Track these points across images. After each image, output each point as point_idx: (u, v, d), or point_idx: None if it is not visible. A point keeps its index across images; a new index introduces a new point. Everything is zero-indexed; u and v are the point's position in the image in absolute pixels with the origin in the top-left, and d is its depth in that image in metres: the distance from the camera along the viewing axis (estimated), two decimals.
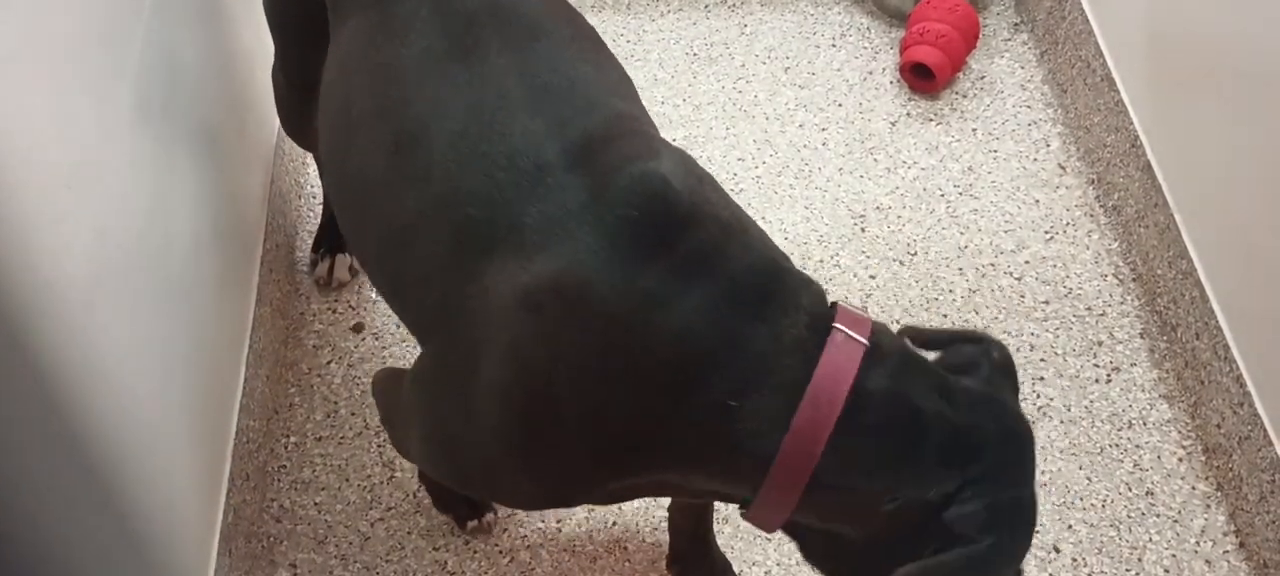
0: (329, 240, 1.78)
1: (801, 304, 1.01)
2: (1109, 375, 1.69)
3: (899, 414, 0.96)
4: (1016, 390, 1.06)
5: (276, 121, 1.79)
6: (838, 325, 0.99)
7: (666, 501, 1.55)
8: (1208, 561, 1.51)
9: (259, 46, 1.73)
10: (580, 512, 1.54)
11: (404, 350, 1.70)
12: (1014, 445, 1.00)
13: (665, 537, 1.53)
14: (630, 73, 2.08)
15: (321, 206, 1.80)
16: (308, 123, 1.46)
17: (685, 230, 0.98)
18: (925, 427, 0.95)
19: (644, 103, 2.02)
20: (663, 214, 0.98)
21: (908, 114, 2.03)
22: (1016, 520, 0.99)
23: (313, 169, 1.93)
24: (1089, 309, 1.77)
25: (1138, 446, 1.62)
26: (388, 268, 1.13)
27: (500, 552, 1.52)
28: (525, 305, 0.97)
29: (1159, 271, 1.73)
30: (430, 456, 1.14)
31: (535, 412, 0.99)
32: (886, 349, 0.99)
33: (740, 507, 1.00)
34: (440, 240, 1.04)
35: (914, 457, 0.95)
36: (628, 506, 1.55)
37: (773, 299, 0.99)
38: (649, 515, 1.54)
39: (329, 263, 1.76)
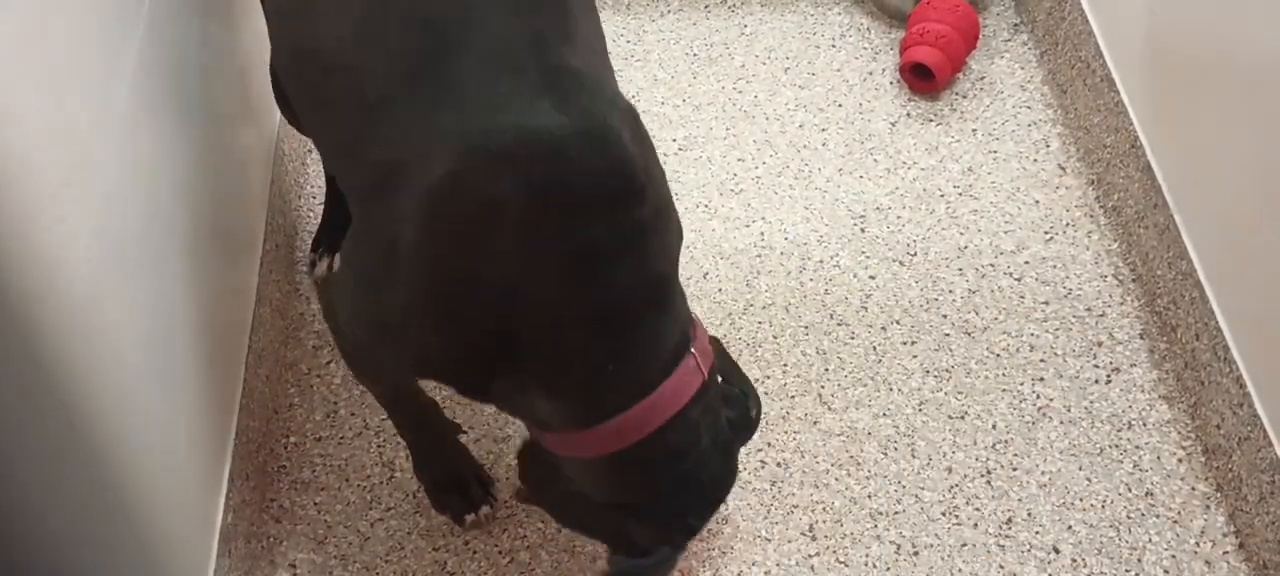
0: (328, 239, 1.78)
1: (681, 313, 1.16)
2: (1109, 376, 1.69)
3: (688, 445, 1.16)
4: (747, 439, 1.32)
5: (276, 122, 1.79)
6: (693, 350, 1.15)
7: None
8: (1207, 562, 1.51)
9: (259, 47, 1.73)
10: None
11: None
12: (708, 491, 1.24)
13: None
14: (630, 73, 2.10)
15: (323, 206, 1.80)
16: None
17: (627, 202, 1.07)
18: (690, 466, 1.17)
19: (644, 103, 2.03)
20: (614, 175, 1.06)
21: (908, 114, 2.03)
22: (678, 543, 1.23)
23: (313, 170, 1.93)
24: (1089, 309, 1.77)
25: (1137, 447, 1.62)
26: (337, 125, 1.19)
27: (500, 553, 1.52)
28: (454, 184, 1.04)
29: (1159, 272, 1.73)
30: (354, 310, 1.20)
31: (443, 274, 1.08)
32: (711, 387, 1.17)
33: (537, 426, 1.18)
34: (401, 105, 1.09)
35: (668, 479, 1.17)
36: None
37: (667, 300, 1.14)
38: None
39: (329, 261, 1.76)
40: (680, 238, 1.20)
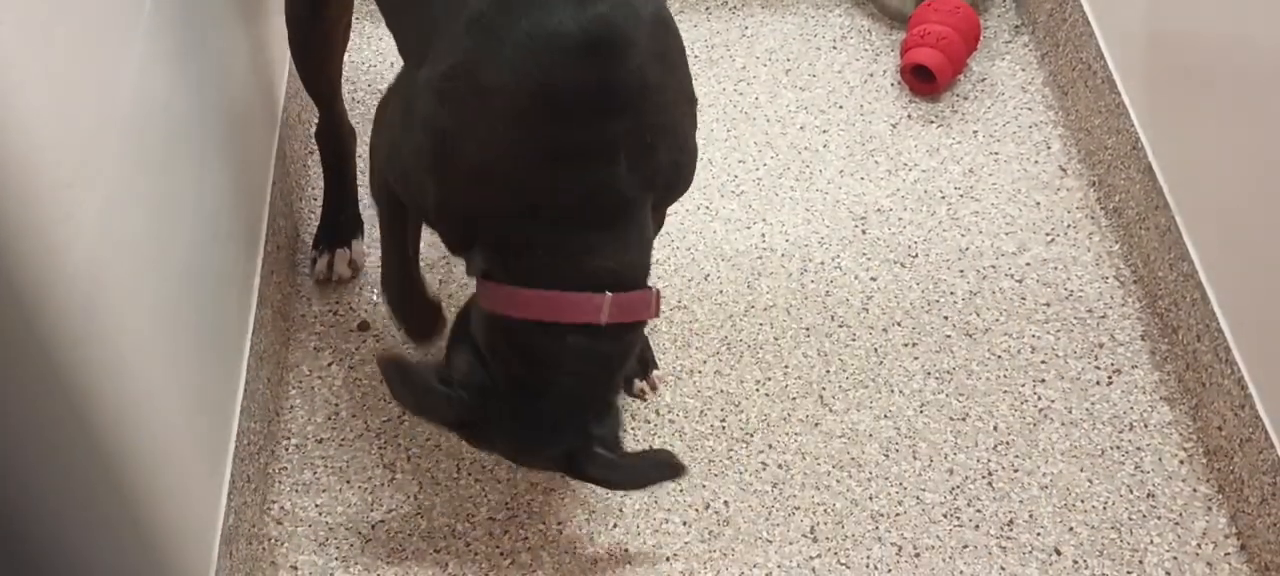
0: (328, 237, 1.78)
1: (633, 258, 1.27)
2: (1110, 377, 1.69)
3: (545, 358, 1.27)
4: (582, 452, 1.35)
5: (278, 122, 1.79)
6: (613, 295, 1.25)
7: (668, 502, 1.56)
8: (1209, 564, 1.51)
9: (260, 47, 1.73)
10: (580, 515, 1.55)
11: (407, 353, 1.70)
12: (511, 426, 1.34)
13: (665, 539, 1.53)
14: None
15: (322, 206, 1.80)
16: (319, 55, 1.64)
17: (606, 114, 1.17)
18: (530, 378, 1.28)
19: None
20: (600, 87, 1.16)
21: (909, 116, 2.03)
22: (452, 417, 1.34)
23: (314, 172, 1.93)
24: (1090, 311, 1.77)
25: (1139, 448, 1.62)
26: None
27: (501, 554, 1.52)
28: (462, 70, 1.19)
29: (1160, 273, 1.73)
30: (383, 147, 1.39)
31: (443, 146, 1.22)
32: (607, 334, 1.26)
33: (478, 275, 1.30)
34: None
35: (510, 364, 1.28)
36: (629, 509, 1.55)
37: (620, 226, 1.24)
38: (650, 517, 1.54)
39: (328, 258, 1.77)
40: (679, 176, 1.29)
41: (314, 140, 1.80)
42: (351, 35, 1.69)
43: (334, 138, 1.75)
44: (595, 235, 1.23)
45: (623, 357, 1.31)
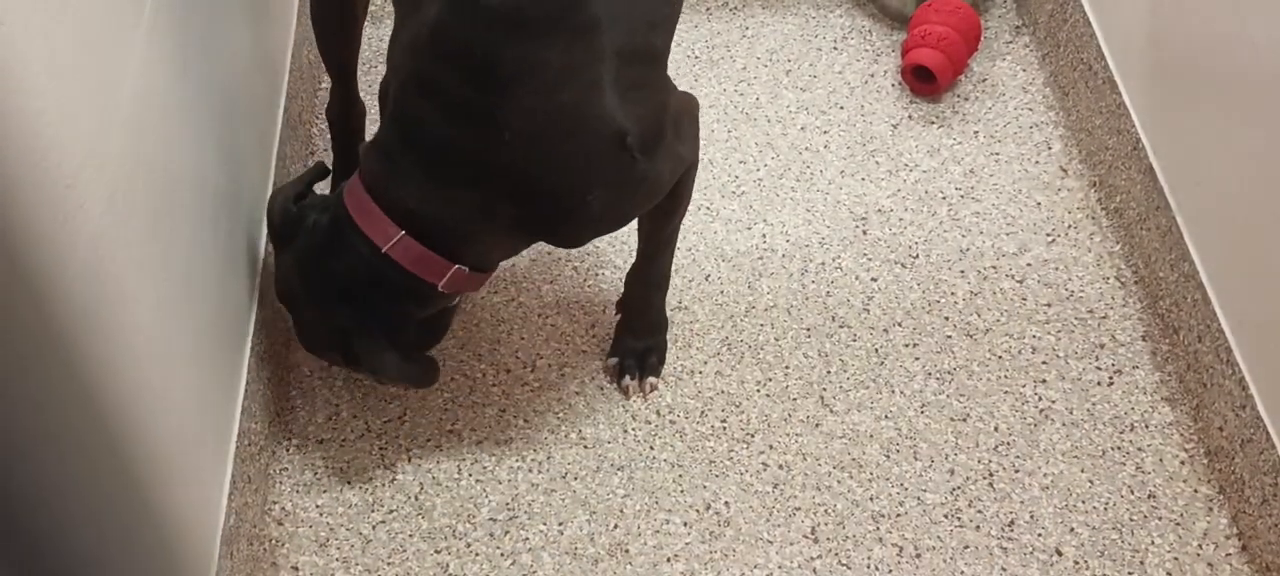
0: None
1: (443, 206, 1.34)
2: (1111, 378, 1.69)
3: (338, 244, 1.39)
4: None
5: (279, 122, 1.79)
6: (410, 237, 1.34)
7: (669, 503, 1.55)
8: (1210, 564, 1.51)
9: (263, 46, 1.73)
10: (581, 515, 1.54)
11: None
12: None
13: (666, 539, 1.53)
14: None
15: (330, 184, 1.80)
16: (339, 24, 1.66)
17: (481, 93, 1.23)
18: (323, 249, 1.41)
19: None
20: (482, 81, 1.22)
21: (909, 117, 2.03)
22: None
23: None
24: (1091, 311, 1.77)
25: (1140, 449, 1.62)
26: None
27: (502, 555, 1.52)
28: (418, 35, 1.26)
29: (1161, 274, 1.73)
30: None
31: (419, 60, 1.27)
32: (383, 263, 1.36)
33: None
34: None
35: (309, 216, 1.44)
36: (629, 509, 1.55)
37: (454, 186, 1.31)
38: (651, 517, 1.54)
39: None
40: (550, 206, 1.32)
41: (315, 122, 1.80)
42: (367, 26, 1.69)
43: (347, 115, 1.75)
44: (424, 183, 1.31)
45: (398, 297, 1.38)
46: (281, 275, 1.47)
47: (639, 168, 1.31)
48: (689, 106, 1.45)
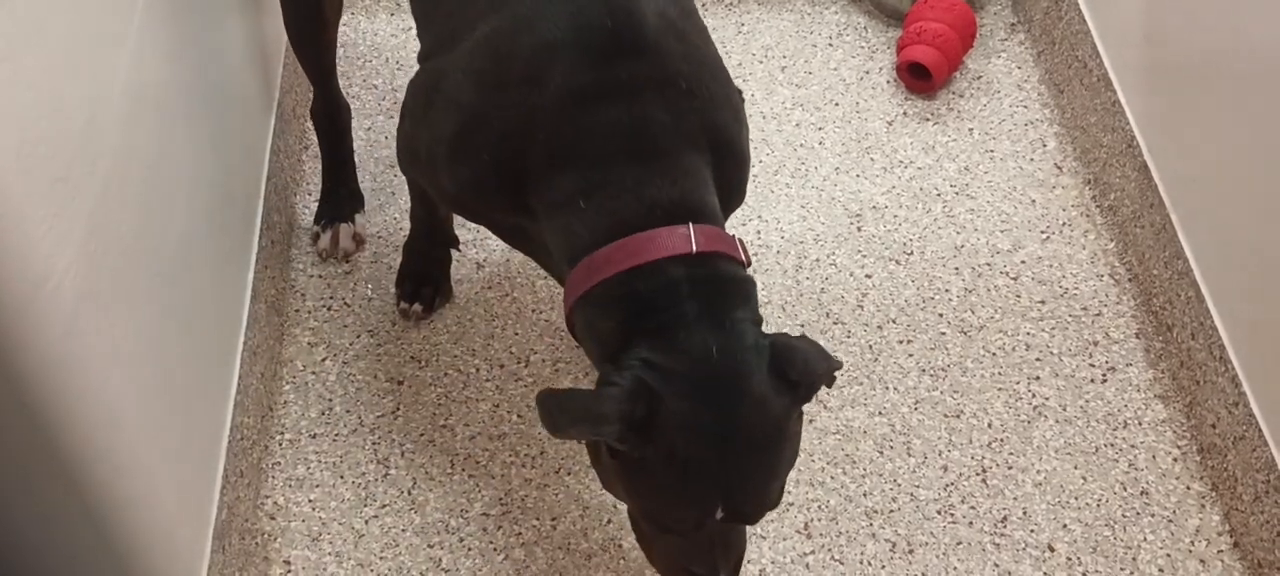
0: (330, 212, 1.78)
1: (687, 188, 1.17)
2: (1104, 375, 1.69)
3: (662, 299, 1.13)
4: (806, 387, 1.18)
5: (272, 116, 1.79)
6: (694, 224, 1.15)
7: None
8: (1202, 560, 1.51)
9: (256, 41, 1.73)
10: (574, 511, 1.54)
11: (401, 348, 1.70)
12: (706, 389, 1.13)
13: None
14: None
15: (321, 183, 1.80)
16: (313, 33, 1.64)
17: (623, 56, 1.17)
18: (665, 319, 1.12)
19: None
20: (615, 31, 1.17)
21: (904, 113, 2.03)
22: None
23: (309, 166, 1.92)
24: (1085, 309, 1.77)
25: (1133, 446, 1.62)
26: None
27: (495, 549, 1.52)
28: (484, 47, 1.22)
29: (1155, 271, 1.73)
30: (407, 130, 1.36)
31: (467, 115, 1.23)
32: (707, 262, 1.14)
33: (555, 265, 1.25)
34: None
35: (636, 327, 1.14)
36: (621, 508, 1.55)
37: (658, 158, 1.17)
38: None
39: (332, 233, 1.77)
40: (720, 114, 1.23)
41: (309, 119, 1.80)
42: (344, 29, 1.70)
43: (331, 115, 1.75)
44: (642, 168, 1.16)
45: (737, 291, 1.16)
46: (668, 439, 1.11)
47: (745, 125, 1.31)
48: None
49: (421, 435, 1.62)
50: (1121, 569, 1.50)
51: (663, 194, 1.15)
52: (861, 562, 1.51)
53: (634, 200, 1.15)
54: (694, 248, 1.13)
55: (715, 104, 1.22)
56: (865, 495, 1.57)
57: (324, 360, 1.69)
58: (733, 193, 1.28)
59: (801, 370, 1.14)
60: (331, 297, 1.76)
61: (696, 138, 1.19)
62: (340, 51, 1.80)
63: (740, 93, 1.30)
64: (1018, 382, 1.68)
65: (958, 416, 1.64)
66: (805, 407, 1.63)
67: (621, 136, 1.16)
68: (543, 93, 1.17)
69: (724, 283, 1.15)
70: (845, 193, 1.91)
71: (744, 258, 1.19)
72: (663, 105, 1.17)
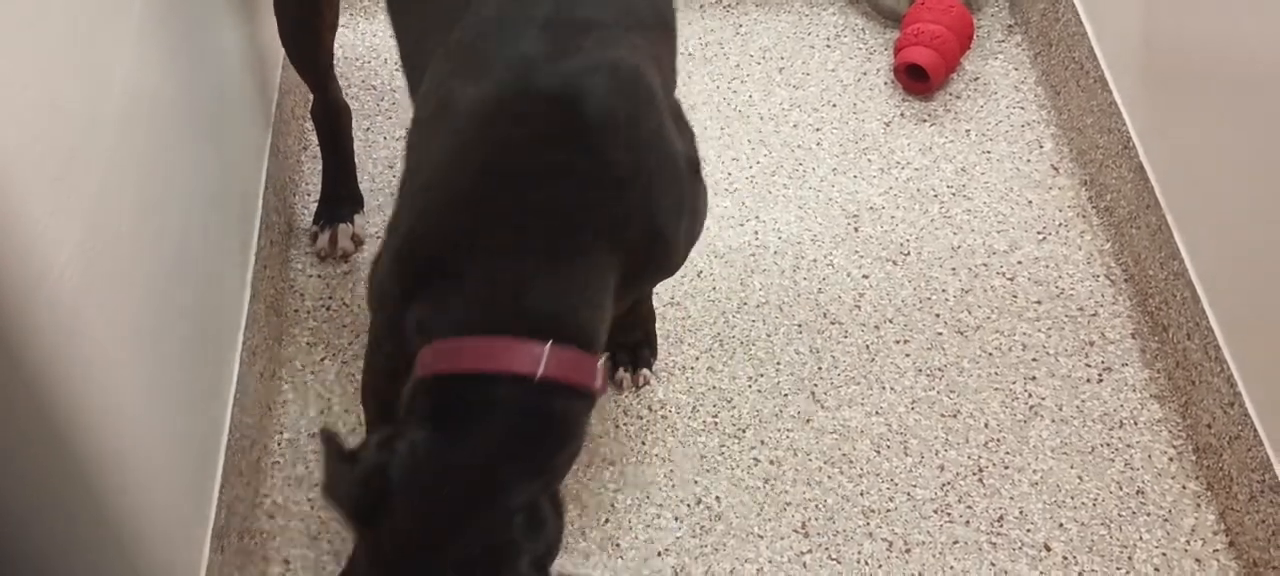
0: (329, 213, 1.78)
1: (581, 309, 1.09)
2: (1100, 375, 1.70)
3: (471, 414, 1.06)
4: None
5: (272, 115, 1.79)
6: (554, 345, 1.07)
7: (660, 498, 1.56)
8: (1198, 560, 1.52)
9: (254, 41, 1.73)
10: (572, 509, 1.55)
11: None
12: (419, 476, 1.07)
13: (657, 534, 1.53)
14: None
15: (321, 184, 1.81)
16: (309, 39, 1.63)
17: (555, 143, 1.09)
18: (444, 439, 1.05)
19: None
20: (567, 129, 1.09)
21: (902, 115, 2.03)
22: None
23: (308, 166, 1.93)
24: (1081, 309, 1.77)
25: (1129, 446, 1.62)
26: (414, 44, 1.31)
27: None
28: (462, 114, 1.13)
29: (1151, 272, 1.73)
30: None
31: (410, 172, 1.18)
32: (543, 392, 1.06)
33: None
34: (454, 41, 1.20)
35: (427, 419, 1.07)
36: (621, 504, 1.55)
37: (567, 264, 1.10)
38: (642, 512, 1.55)
39: (330, 233, 1.78)
40: (658, 204, 1.14)
41: (310, 119, 1.81)
42: (343, 30, 1.70)
43: (330, 115, 1.75)
44: (533, 268, 1.08)
45: (560, 436, 1.08)
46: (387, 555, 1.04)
47: (700, 187, 1.24)
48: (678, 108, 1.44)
49: None
50: (1117, 568, 1.51)
51: (541, 303, 1.08)
52: (858, 562, 1.51)
53: (509, 300, 1.07)
54: (538, 372, 1.05)
55: (653, 193, 1.13)
56: (862, 494, 1.57)
57: (323, 360, 1.69)
58: (654, 275, 1.24)
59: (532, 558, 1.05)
60: (330, 298, 1.76)
61: (616, 233, 1.11)
62: (339, 53, 1.80)
63: (699, 186, 1.23)
64: (1014, 382, 1.69)
65: (954, 416, 1.65)
66: (802, 407, 1.65)
67: (527, 228, 1.08)
68: (465, 155, 1.11)
69: (544, 420, 1.07)
70: (842, 193, 1.91)
71: (597, 384, 1.11)
72: (584, 198, 1.09)
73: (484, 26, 1.16)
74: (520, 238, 1.08)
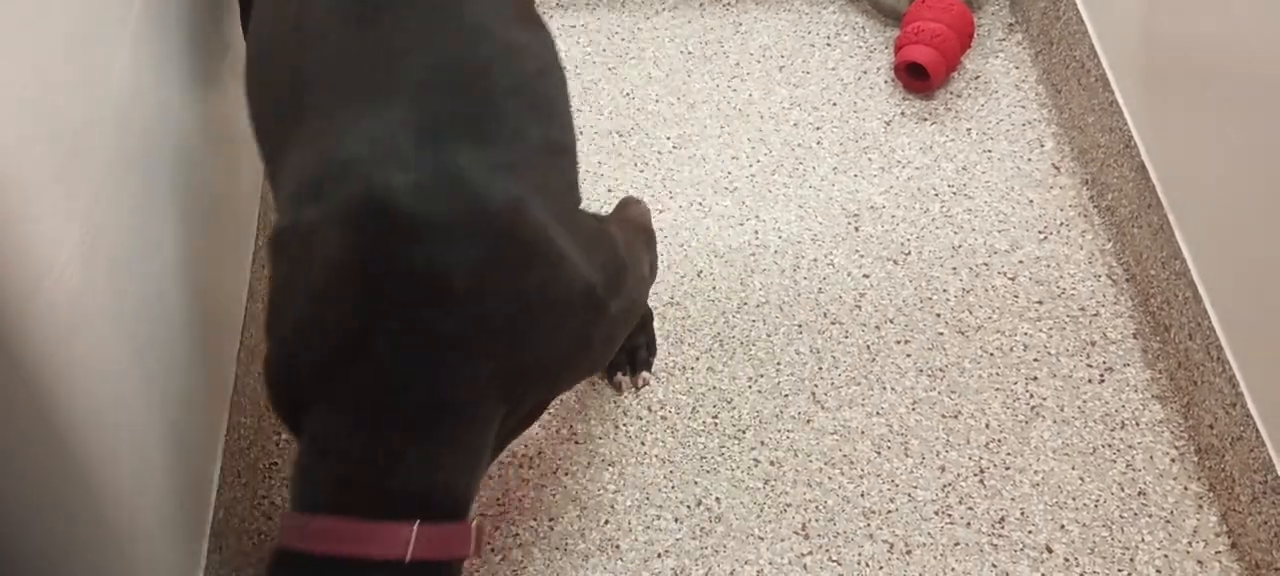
0: None
1: (444, 483, 1.04)
2: (1102, 375, 1.69)
3: None
4: None
5: None
6: (424, 524, 1.02)
7: (660, 499, 1.55)
8: (1200, 561, 1.51)
9: None
10: (572, 511, 1.54)
11: None
12: None
13: (656, 535, 1.53)
14: (625, 70, 2.10)
15: None
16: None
17: (422, 304, 1.01)
18: None
19: (638, 101, 2.03)
20: (434, 289, 1.01)
21: (902, 113, 2.03)
22: None
23: None
24: (1082, 309, 1.77)
25: (1130, 447, 1.62)
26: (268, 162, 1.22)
27: (491, 550, 1.51)
28: (319, 265, 1.04)
29: (1152, 272, 1.73)
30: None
31: (274, 307, 1.10)
32: (406, 570, 1.02)
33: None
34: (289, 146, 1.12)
35: None
36: (620, 505, 1.55)
37: (429, 432, 1.03)
38: (642, 513, 1.54)
39: None
40: (545, 354, 1.09)
41: None
42: None
43: None
44: (400, 441, 1.02)
45: None
46: None
47: (611, 310, 1.16)
48: (638, 220, 1.36)
49: None
50: (1119, 569, 1.50)
51: (410, 479, 1.02)
52: (859, 563, 1.51)
53: (376, 476, 1.02)
54: (408, 555, 1.01)
55: (537, 341, 1.08)
56: (862, 496, 1.57)
57: None
58: (546, 405, 1.20)
59: None
60: None
61: (495, 390, 1.05)
62: None
63: (606, 315, 1.15)
64: (1015, 383, 1.68)
65: (955, 417, 1.64)
66: (803, 408, 1.64)
67: (395, 398, 1.02)
68: (326, 330, 1.03)
69: None
70: (843, 192, 1.91)
71: (470, 550, 1.08)
72: (457, 361, 1.02)
73: (345, 142, 1.05)
74: (387, 410, 1.01)
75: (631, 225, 1.36)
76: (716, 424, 1.63)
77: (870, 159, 1.96)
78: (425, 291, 1.00)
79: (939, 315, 1.76)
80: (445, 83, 1.08)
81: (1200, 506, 1.56)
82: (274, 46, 1.19)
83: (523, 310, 1.05)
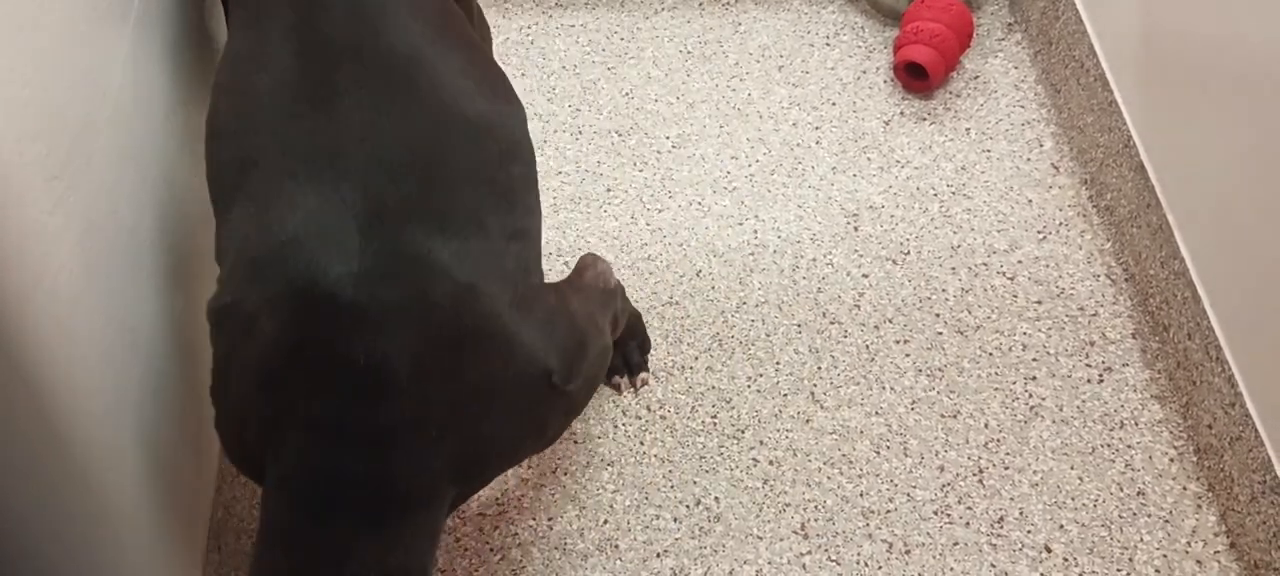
0: None
1: (393, 550, 1.02)
2: (1101, 375, 1.69)
3: None
4: None
5: None
6: None
7: (659, 499, 1.55)
8: (1199, 561, 1.51)
9: None
10: (571, 510, 1.54)
11: None
12: None
13: (655, 535, 1.53)
14: (624, 70, 2.09)
15: None
16: None
17: (368, 397, 0.99)
18: None
19: (638, 100, 2.02)
20: (381, 383, 0.99)
21: (901, 113, 2.03)
22: None
23: None
24: (1081, 309, 1.77)
25: (1129, 446, 1.62)
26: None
27: (490, 550, 1.51)
28: (256, 353, 1.02)
29: (1151, 272, 1.73)
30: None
31: (218, 377, 1.09)
32: None
33: None
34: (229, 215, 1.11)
35: None
36: (619, 505, 1.55)
37: (380, 525, 1.02)
38: (641, 513, 1.54)
39: None
40: (496, 438, 1.07)
41: None
42: None
43: None
44: (350, 537, 1.01)
45: None
46: None
47: (570, 392, 1.15)
48: (596, 284, 1.35)
49: None
50: (1118, 569, 1.50)
51: (362, 570, 1.01)
52: (858, 563, 1.51)
53: (324, 569, 1.01)
54: None
55: (490, 428, 1.07)
56: (862, 495, 1.57)
57: None
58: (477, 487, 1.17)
59: None
60: None
61: (445, 475, 1.04)
62: None
63: (563, 397, 1.14)
64: (1014, 383, 1.68)
65: (954, 416, 1.64)
66: (802, 407, 1.64)
67: (341, 493, 1.00)
68: (268, 427, 1.02)
69: None
70: (842, 192, 1.91)
71: None
72: (406, 455, 1.01)
73: (289, 222, 1.03)
74: (335, 503, 1.00)
75: (589, 293, 1.33)
76: (715, 423, 1.63)
77: (869, 159, 1.96)
78: (366, 384, 0.98)
79: (938, 315, 1.76)
80: (400, 165, 1.05)
81: (1199, 506, 1.56)
82: (234, 103, 1.15)
83: (473, 398, 1.03)
